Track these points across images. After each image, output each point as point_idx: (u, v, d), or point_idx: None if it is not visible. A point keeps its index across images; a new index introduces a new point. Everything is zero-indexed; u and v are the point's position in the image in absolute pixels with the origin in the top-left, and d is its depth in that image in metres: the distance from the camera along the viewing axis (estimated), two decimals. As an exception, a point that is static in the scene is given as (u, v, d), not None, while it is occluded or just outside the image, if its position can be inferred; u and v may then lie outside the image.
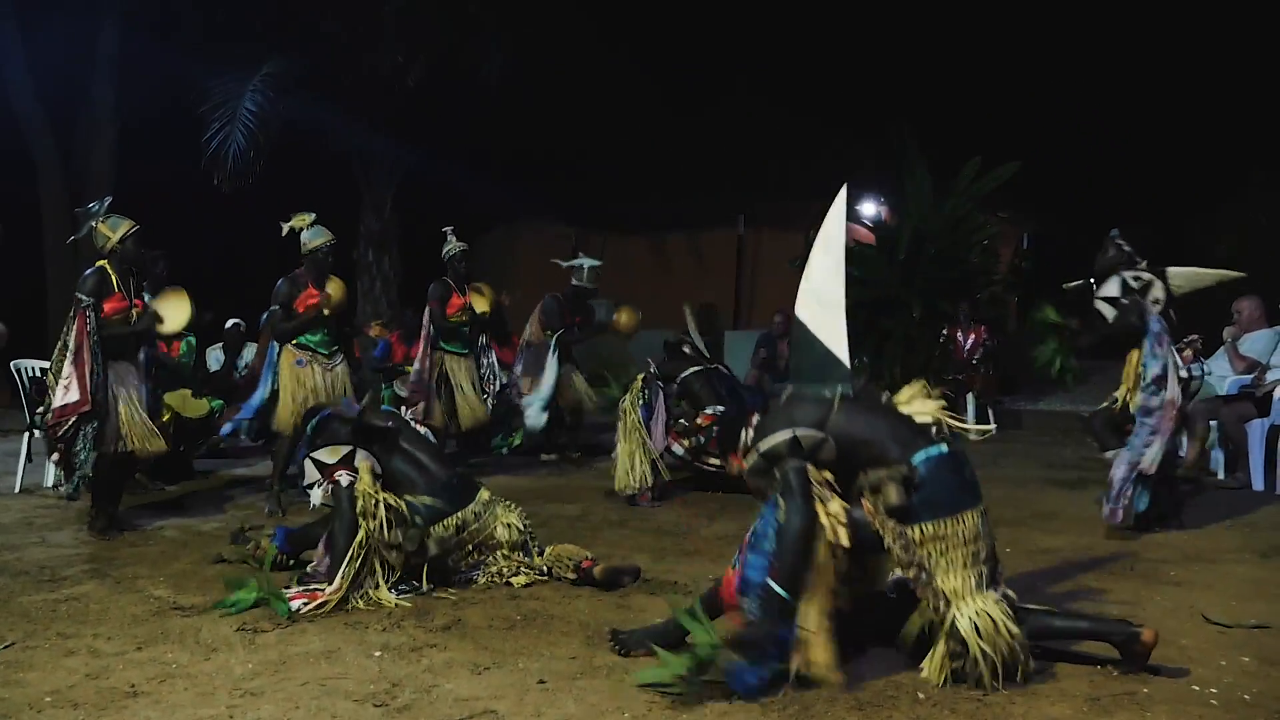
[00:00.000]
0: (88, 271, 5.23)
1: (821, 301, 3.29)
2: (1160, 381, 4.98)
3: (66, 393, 5.01)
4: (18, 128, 12.49)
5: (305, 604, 3.80)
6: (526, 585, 4.12)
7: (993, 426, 8.83)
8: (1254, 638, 3.41)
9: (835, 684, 2.86)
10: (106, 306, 5.15)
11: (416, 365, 7.11)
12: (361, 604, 3.86)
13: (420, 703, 2.89)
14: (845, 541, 2.94)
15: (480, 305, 7.28)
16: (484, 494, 4.31)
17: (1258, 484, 6.36)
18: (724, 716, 2.76)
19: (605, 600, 3.94)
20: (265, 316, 6.72)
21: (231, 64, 10.79)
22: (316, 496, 4.14)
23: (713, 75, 15.78)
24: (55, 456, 5.33)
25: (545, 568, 4.23)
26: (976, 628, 2.88)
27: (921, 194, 11.66)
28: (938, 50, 16.36)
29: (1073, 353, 5.65)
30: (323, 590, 3.87)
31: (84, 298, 5.11)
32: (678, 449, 6.31)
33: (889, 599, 3.18)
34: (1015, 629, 2.91)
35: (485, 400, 7.29)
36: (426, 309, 7.20)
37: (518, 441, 7.75)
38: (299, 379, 5.96)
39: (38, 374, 6.71)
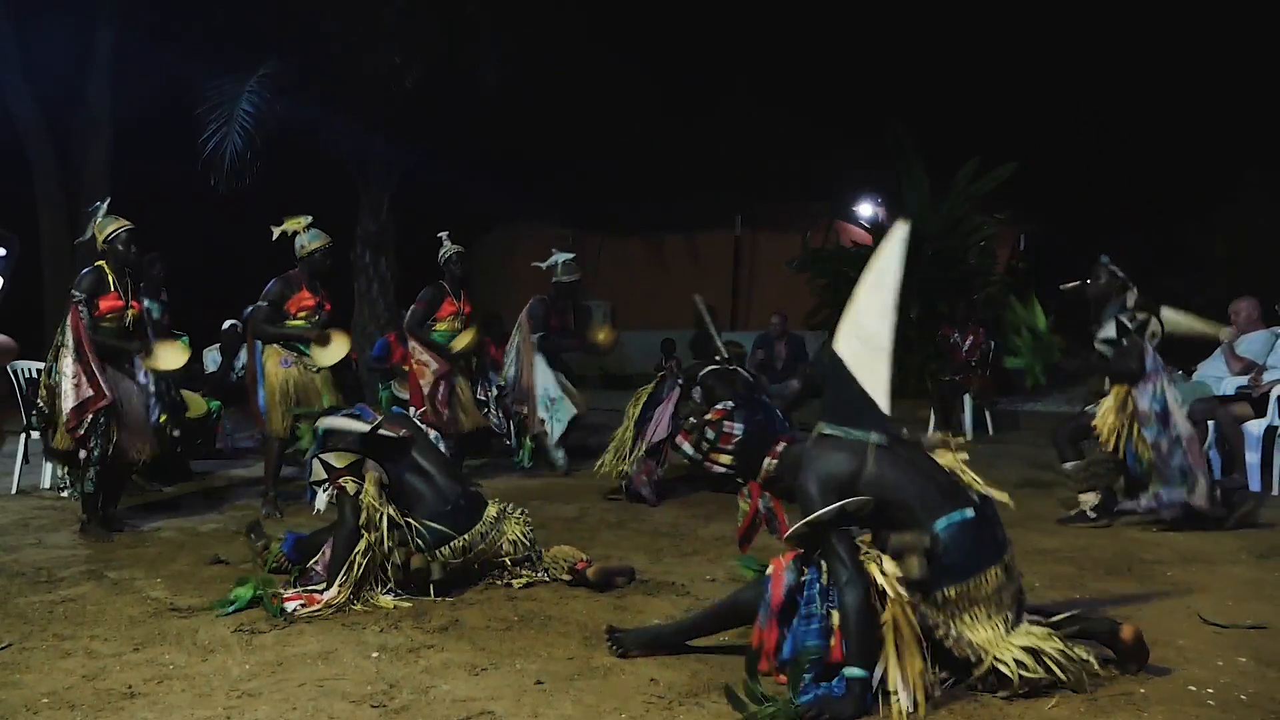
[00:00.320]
0: (85, 270, 5.26)
1: (866, 341, 3.07)
2: (1163, 418, 5.04)
3: (79, 390, 5.01)
4: (14, 129, 12.49)
5: (301, 605, 3.80)
6: (524, 586, 4.12)
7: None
8: (1250, 638, 3.41)
9: None
10: (102, 305, 5.17)
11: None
12: (359, 606, 3.86)
13: (417, 704, 2.89)
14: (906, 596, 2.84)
15: (460, 342, 7.03)
16: (491, 510, 4.22)
17: (1254, 485, 6.37)
18: (721, 719, 2.76)
19: (602, 601, 3.95)
20: (249, 310, 6.69)
21: (229, 65, 10.78)
22: (321, 501, 4.11)
23: (711, 76, 15.80)
24: (79, 454, 5.12)
25: (543, 569, 4.23)
26: (1023, 666, 2.82)
27: (919, 194, 11.69)
28: (935, 51, 16.37)
29: (1046, 363, 5.59)
30: (320, 594, 3.87)
31: (77, 294, 5.13)
32: (687, 447, 6.30)
33: None
34: (1057, 646, 2.86)
35: (485, 408, 7.25)
36: (410, 309, 7.15)
37: (524, 458, 7.67)
38: (284, 379, 5.93)
39: (34, 375, 6.71)
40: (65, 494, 6.02)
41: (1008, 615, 2.91)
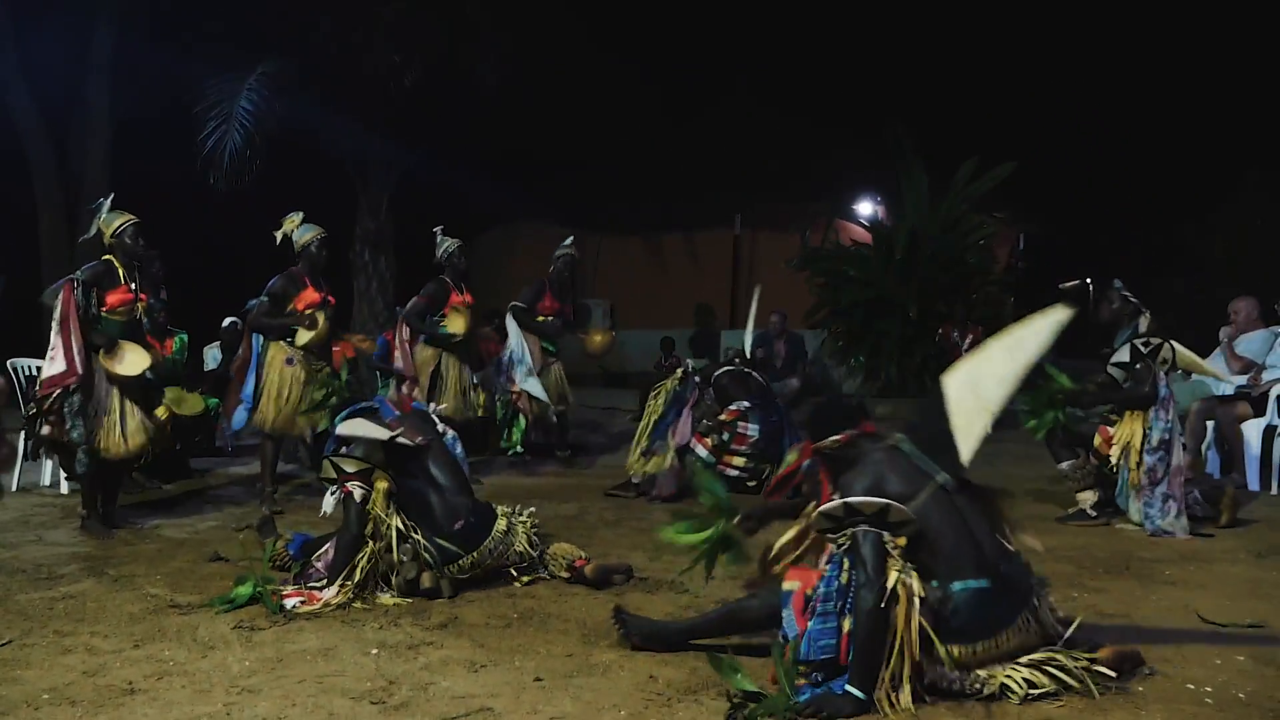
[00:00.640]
0: (93, 262, 5.23)
1: (976, 395, 3.03)
2: (1166, 446, 5.10)
3: (53, 363, 4.98)
4: (14, 128, 12.47)
5: (301, 602, 3.80)
6: (526, 584, 4.13)
7: None
8: (1249, 637, 3.42)
9: None
10: (111, 298, 5.15)
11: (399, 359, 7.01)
12: (359, 604, 3.86)
13: (417, 700, 2.89)
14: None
15: (455, 326, 6.96)
16: (501, 524, 4.15)
17: (1253, 484, 6.38)
18: (719, 715, 2.76)
19: (601, 598, 3.95)
20: (251, 303, 6.69)
21: (228, 64, 10.78)
22: (329, 503, 4.09)
23: (710, 76, 15.80)
24: (47, 429, 5.08)
25: (544, 569, 4.24)
26: (1030, 683, 2.81)
27: (918, 194, 11.69)
28: (934, 51, 16.37)
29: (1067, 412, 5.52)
30: (319, 593, 3.88)
31: (78, 274, 5.10)
32: (701, 450, 6.30)
33: None
34: (1071, 664, 2.85)
35: (475, 399, 7.23)
36: (411, 300, 7.13)
37: (514, 442, 7.71)
38: (286, 379, 5.93)
39: (34, 373, 6.71)
40: (66, 485, 6.02)
41: (1025, 652, 2.87)
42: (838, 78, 15.81)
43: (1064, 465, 5.54)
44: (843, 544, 2.86)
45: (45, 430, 5.08)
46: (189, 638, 3.48)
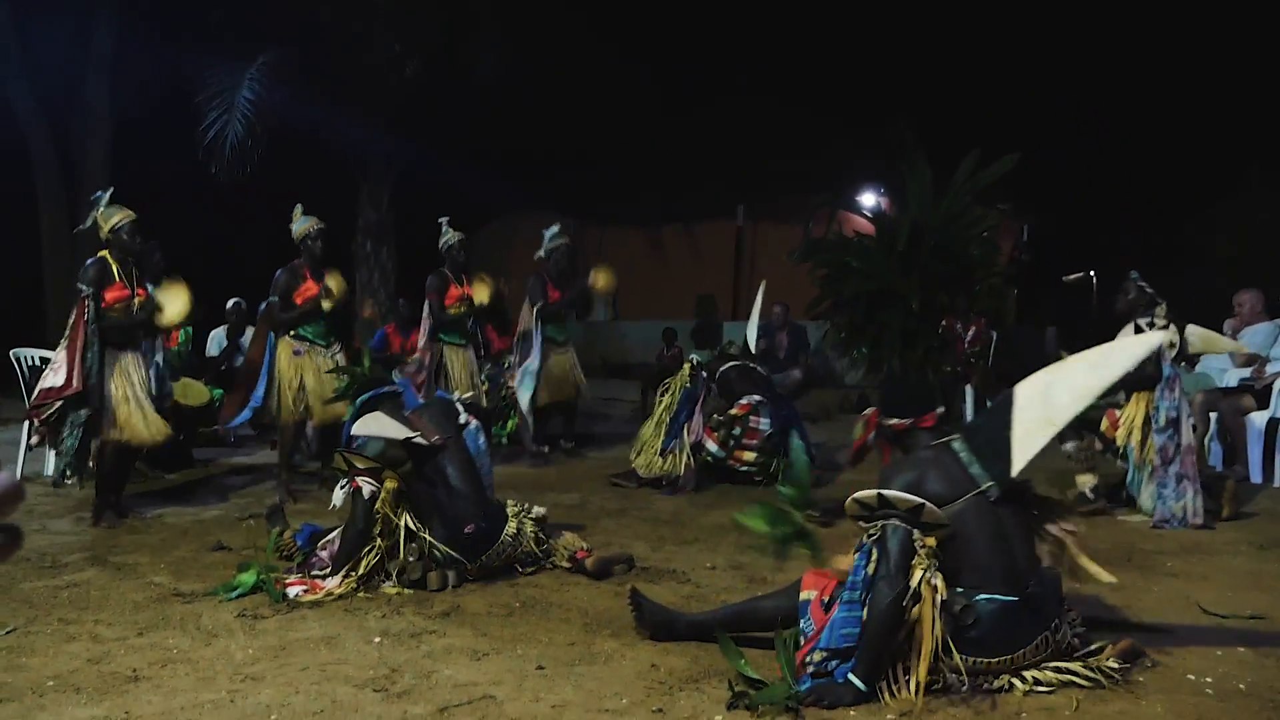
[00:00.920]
0: (89, 261, 5.26)
1: (1046, 406, 2.96)
2: (1174, 424, 5.10)
3: (54, 375, 5.05)
4: (15, 124, 12.47)
5: (304, 591, 3.81)
6: (529, 574, 4.14)
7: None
8: (1250, 628, 3.42)
9: None
10: (108, 295, 5.16)
11: (418, 356, 7.11)
12: (362, 592, 3.87)
13: (419, 688, 2.90)
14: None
15: (480, 295, 7.24)
16: (511, 526, 4.13)
17: (1256, 477, 6.38)
18: (721, 704, 2.77)
19: (603, 588, 3.96)
20: (263, 307, 6.75)
21: (228, 54, 10.77)
22: (338, 496, 4.09)
23: (713, 68, 15.75)
24: (35, 440, 5.32)
25: (548, 560, 4.24)
26: (1038, 681, 2.82)
27: (921, 186, 11.66)
28: (938, 43, 16.33)
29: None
30: (322, 582, 3.89)
31: (84, 287, 5.14)
32: (711, 445, 6.29)
33: None
34: (1078, 668, 2.85)
35: (481, 392, 7.27)
36: (425, 302, 7.20)
37: (507, 431, 7.73)
38: (296, 369, 5.99)
39: (37, 363, 6.73)
40: (50, 476, 6.04)
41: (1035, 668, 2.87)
42: (841, 69, 15.77)
43: (1068, 446, 5.48)
44: (873, 534, 2.86)
45: (34, 440, 5.26)
46: (192, 626, 3.49)
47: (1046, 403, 2.95)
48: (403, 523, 3.95)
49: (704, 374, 6.41)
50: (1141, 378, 5.18)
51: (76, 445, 5.06)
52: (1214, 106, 16.19)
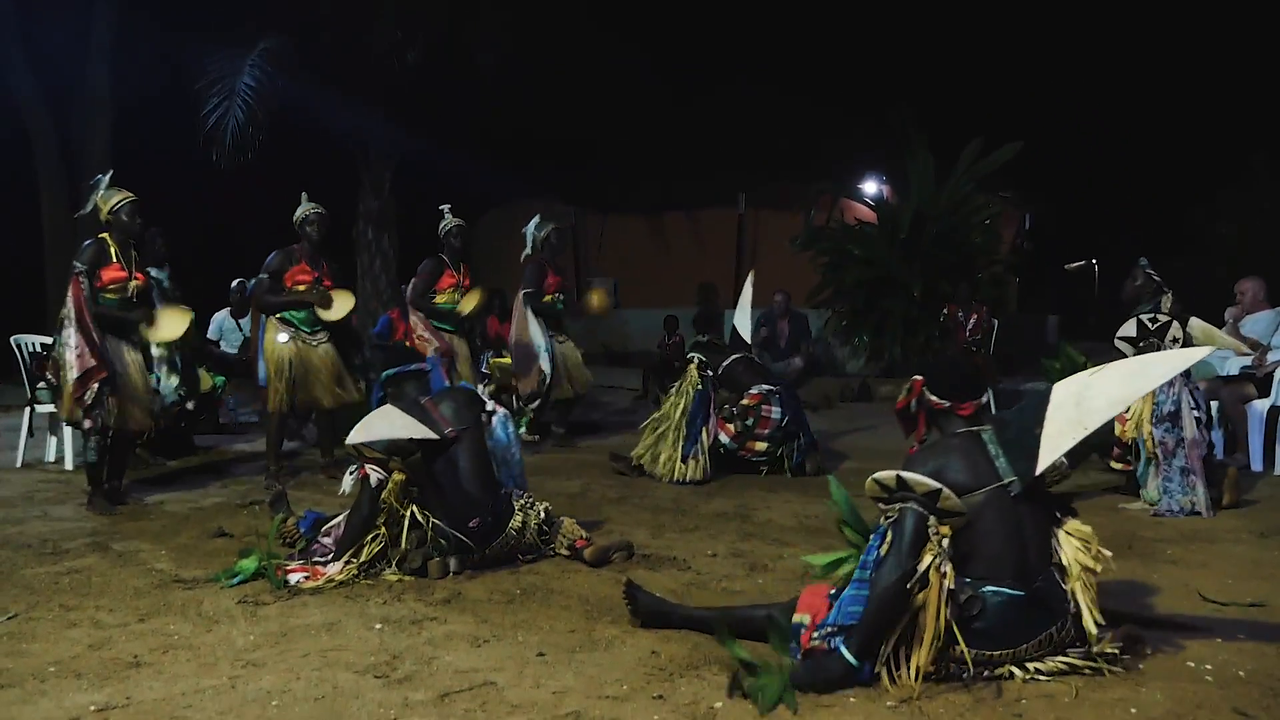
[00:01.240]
0: (87, 242, 5.25)
1: (1080, 407, 2.93)
2: (1174, 419, 5.09)
3: (82, 360, 5.04)
4: (16, 107, 12.45)
5: (305, 578, 3.82)
6: (530, 561, 4.15)
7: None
8: (1250, 616, 3.42)
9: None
10: (104, 275, 5.17)
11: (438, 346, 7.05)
12: (363, 579, 3.88)
13: (420, 674, 2.91)
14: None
15: (466, 305, 7.07)
16: (516, 520, 4.11)
17: (1256, 465, 6.37)
18: (722, 691, 2.77)
19: (604, 575, 3.97)
20: (252, 281, 6.71)
21: (229, 40, 10.72)
22: (347, 483, 4.08)
23: (715, 55, 15.69)
24: (88, 424, 5.13)
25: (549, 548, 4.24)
26: (1038, 670, 2.81)
27: (923, 174, 11.64)
28: (940, 31, 16.27)
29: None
30: (324, 568, 3.89)
31: (78, 265, 5.14)
32: (723, 437, 6.29)
33: None
34: (1075, 660, 2.84)
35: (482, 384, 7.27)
36: (411, 282, 7.15)
37: (525, 426, 7.71)
38: (283, 355, 5.97)
39: (38, 349, 6.73)
40: (76, 458, 6.06)
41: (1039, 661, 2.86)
42: (843, 56, 15.71)
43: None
44: (890, 515, 2.87)
45: (87, 424, 5.11)
46: (194, 612, 3.50)
47: (1081, 405, 2.94)
48: (407, 513, 3.95)
49: (709, 372, 6.39)
50: None
51: (103, 424, 5.08)
52: (1219, 95, 16.16)
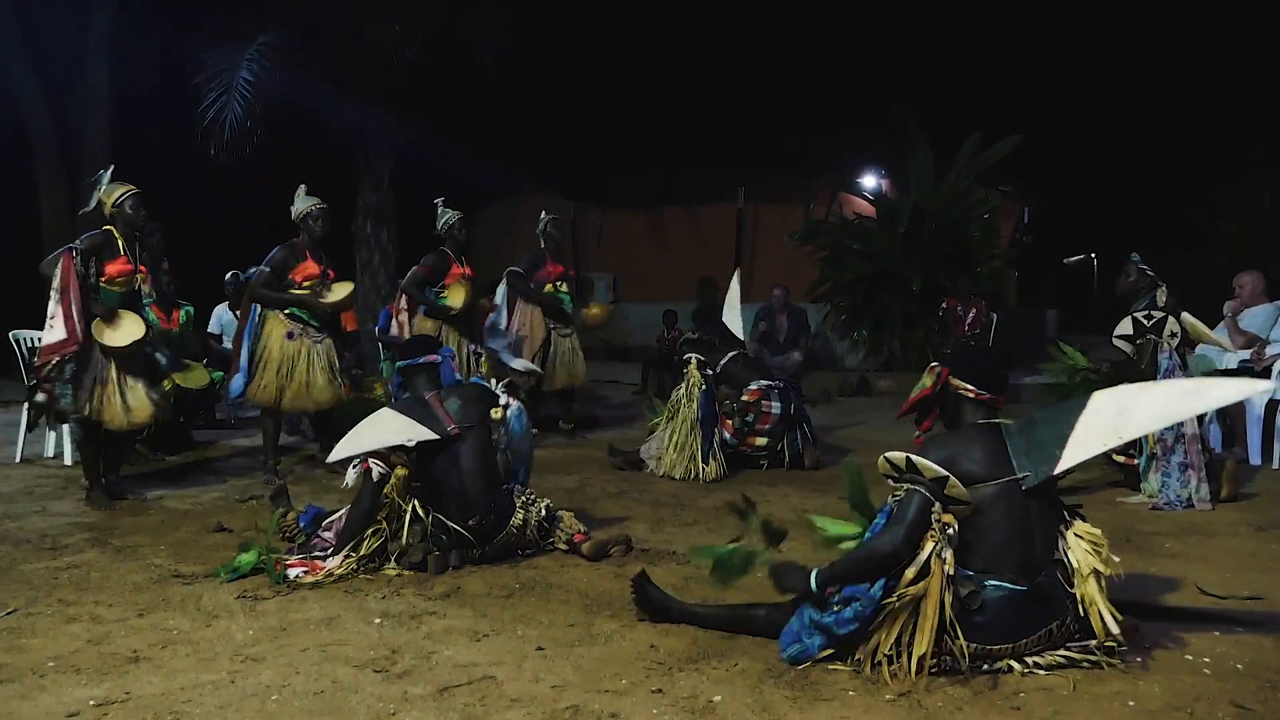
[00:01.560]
0: (93, 231, 5.22)
1: (1118, 419, 2.89)
2: None
3: (52, 331, 5.00)
4: (14, 103, 12.42)
5: (304, 572, 3.82)
6: (529, 555, 4.15)
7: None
8: (1248, 609, 3.43)
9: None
10: (110, 269, 5.15)
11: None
12: (362, 573, 3.88)
13: (420, 669, 2.91)
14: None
15: (455, 299, 7.03)
16: (517, 518, 4.10)
17: (1255, 458, 6.38)
18: (720, 685, 2.78)
19: (603, 569, 3.97)
20: (251, 272, 6.67)
21: (227, 34, 10.70)
22: (350, 476, 4.08)
23: (715, 50, 15.67)
24: (41, 398, 5.08)
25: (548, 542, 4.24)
26: (1037, 664, 2.82)
27: (922, 168, 11.63)
28: (939, 25, 16.25)
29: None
30: (323, 563, 3.89)
31: (76, 243, 5.11)
32: (725, 434, 6.30)
33: None
34: (1076, 655, 2.85)
35: (478, 371, 7.25)
36: (410, 270, 7.13)
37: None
38: (286, 353, 5.90)
39: (35, 344, 6.71)
40: (69, 461, 6.05)
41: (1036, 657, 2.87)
42: (842, 50, 15.70)
43: None
44: (898, 495, 2.90)
45: (40, 397, 5.09)
46: (193, 607, 3.50)
47: (1121, 414, 2.91)
48: (409, 508, 3.95)
49: (708, 370, 6.39)
50: (1134, 376, 5.17)
51: (73, 405, 5.02)
52: (1219, 89, 16.14)
